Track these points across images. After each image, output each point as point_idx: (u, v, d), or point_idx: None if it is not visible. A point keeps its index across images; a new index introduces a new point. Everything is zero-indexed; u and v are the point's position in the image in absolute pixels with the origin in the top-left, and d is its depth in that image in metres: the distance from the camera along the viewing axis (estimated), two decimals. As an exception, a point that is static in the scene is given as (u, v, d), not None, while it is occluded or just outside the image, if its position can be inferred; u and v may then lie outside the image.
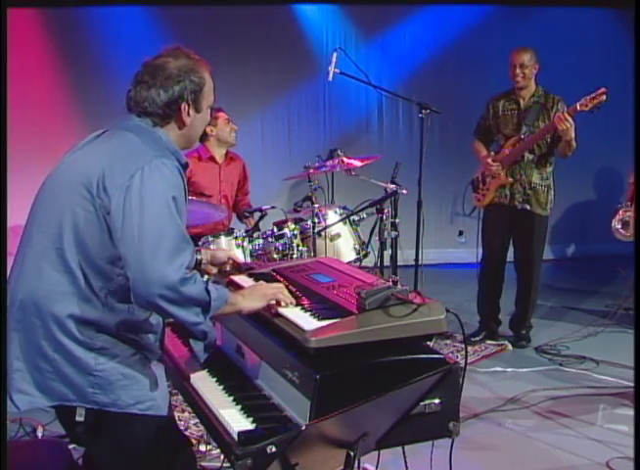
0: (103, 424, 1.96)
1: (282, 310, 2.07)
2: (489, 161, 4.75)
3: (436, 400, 1.96)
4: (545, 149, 4.66)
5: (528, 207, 4.68)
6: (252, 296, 2.08)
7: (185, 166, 2.07)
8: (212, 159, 4.77)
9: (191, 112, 2.06)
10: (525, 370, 4.37)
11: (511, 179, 4.69)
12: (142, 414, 1.97)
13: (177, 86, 2.02)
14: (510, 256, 4.91)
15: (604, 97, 4.26)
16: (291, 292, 2.24)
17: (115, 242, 1.89)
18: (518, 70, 4.60)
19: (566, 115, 4.33)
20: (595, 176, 7.94)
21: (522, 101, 4.69)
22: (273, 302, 2.09)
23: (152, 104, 2.02)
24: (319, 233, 4.42)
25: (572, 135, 4.40)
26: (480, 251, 4.92)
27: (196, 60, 2.09)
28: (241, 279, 2.50)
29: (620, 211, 5.02)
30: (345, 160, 4.59)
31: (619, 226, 4.89)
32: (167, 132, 2.06)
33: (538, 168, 4.68)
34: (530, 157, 4.66)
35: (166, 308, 1.86)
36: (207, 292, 1.92)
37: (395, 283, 1.99)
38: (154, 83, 2.02)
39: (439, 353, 1.98)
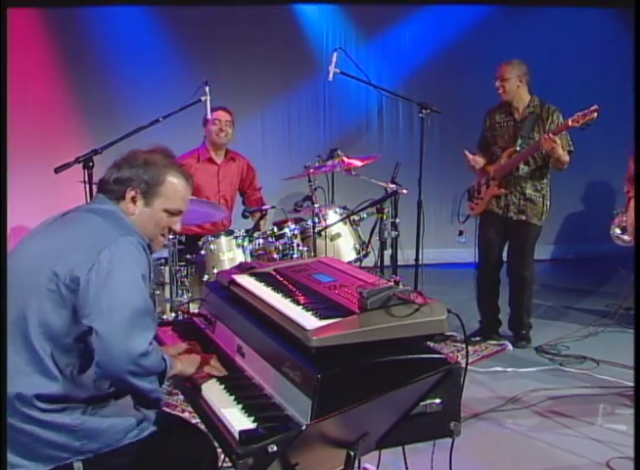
0: (102, 464, 1.97)
1: (284, 310, 2.07)
2: (469, 156, 4.76)
3: (437, 400, 1.96)
4: (540, 161, 4.66)
5: (524, 217, 4.70)
6: (188, 363, 2.17)
7: (149, 247, 2.08)
8: (210, 160, 4.79)
9: (138, 202, 2.09)
10: (525, 370, 4.36)
11: (504, 190, 4.70)
12: (137, 440, 2.00)
13: (129, 170, 2.08)
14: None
15: (595, 114, 4.27)
16: (291, 291, 2.26)
17: (83, 317, 1.90)
18: (498, 84, 4.63)
19: (551, 135, 4.37)
20: (595, 176, 7.94)
21: (516, 112, 4.69)
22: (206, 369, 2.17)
23: (107, 178, 2.10)
24: (319, 233, 4.42)
25: (560, 153, 4.43)
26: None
27: (171, 163, 2.13)
28: (242, 278, 2.50)
29: (616, 219, 5.02)
30: (346, 159, 4.60)
31: (619, 232, 4.89)
32: (127, 215, 2.09)
33: (533, 180, 4.68)
34: (525, 169, 4.66)
35: (132, 382, 1.92)
36: (164, 360, 2.00)
37: (397, 283, 1.99)
38: (117, 164, 2.11)
39: (440, 353, 1.98)
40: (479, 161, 4.80)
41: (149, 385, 1.97)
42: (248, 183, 5.01)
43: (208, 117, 4.40)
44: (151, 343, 1.93)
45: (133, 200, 2.08)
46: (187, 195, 2.16)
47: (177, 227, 2.17)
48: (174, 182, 2.11)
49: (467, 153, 4.79)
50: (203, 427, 2.15)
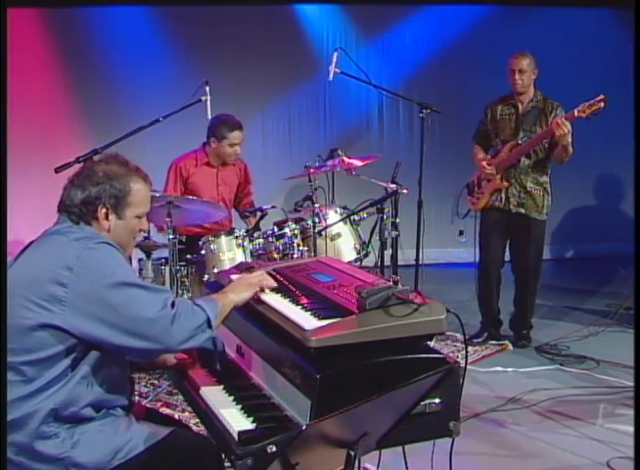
0: None
1: (283, 310, 2.07)
2: (484, 163, 4.75)
3: (437, 400, 1.95)
4: (542, 154, 4.65)
5: (523, 210, 4.68)
6: (240, 288, 2.17)
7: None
8: (209, 164, 4.74)
9: (111, 216, 2.08)
10: (525, 370, 4.36)
11: (506, 184, 4.68)
12: (126, 461, 1.97)
13: (95, 188, 2.06)
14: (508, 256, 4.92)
15: (602, 104, 4.20)
16: (290, 291, 2.26)
17: (107, 341, 1.92)
18: (517, 76, 4.57)
19: (563, 120, 4.31)
20: (595, 176, 7.94)
21: (520, 105, 4.68)
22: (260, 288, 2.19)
23: (71, 201, 2.08)
24: (319, 233, 4.41)
25: (569, 140, 4.38)
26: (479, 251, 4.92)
27: (129, 169, 2.13)
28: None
29: None
30: (346, 159, 4.59)
31: None
32: (96, 230, 2.07)
33: (534, 174, 4.67)
34: (527, 162, 4.65)
35: (193, 345, 1.97)
36: (199, 307, 2.00)
37: (396, 283, 1.99)
38: (77, 183, 2.09)
39: (440, 353, 1.98)
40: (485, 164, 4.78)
41: (203, 336, 1.97)
42: (242, 188, 4.97)
43: (209, 116, 4.38)
44: (171, 305, 1.94)
45: (106, 216, 2.08)
46: (150, 194, 2.19)
47: (145, 226, 2.20)
48: (139, 188, 2.12)
49: (484, 164, 4.76)
50: (201, 428, 2.14)
